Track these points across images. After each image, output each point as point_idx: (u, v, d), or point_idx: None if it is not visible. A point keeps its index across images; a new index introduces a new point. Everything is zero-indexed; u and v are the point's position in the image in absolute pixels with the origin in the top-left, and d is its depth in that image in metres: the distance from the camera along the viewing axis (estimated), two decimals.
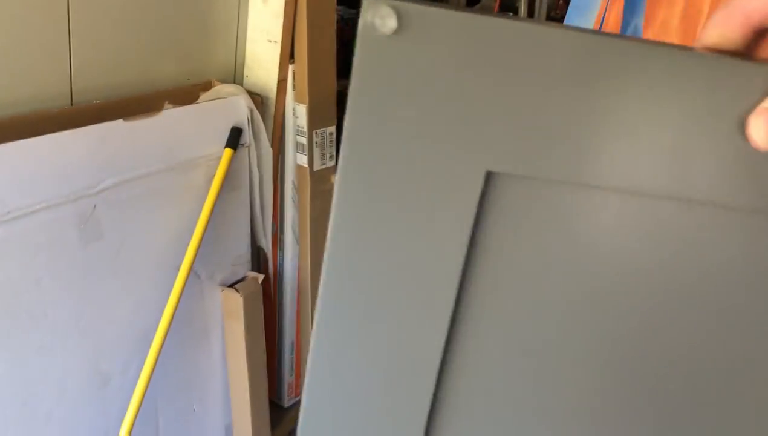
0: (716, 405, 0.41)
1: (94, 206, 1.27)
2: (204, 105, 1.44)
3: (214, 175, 1.43)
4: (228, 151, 1.44)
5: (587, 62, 0.34)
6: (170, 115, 1.37)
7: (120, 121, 1.29)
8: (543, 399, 0.42)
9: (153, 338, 1.34)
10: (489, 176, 0.36)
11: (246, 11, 1.56)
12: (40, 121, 1.22)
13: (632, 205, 0.37)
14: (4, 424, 1.20)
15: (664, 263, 0.38)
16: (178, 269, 1.38)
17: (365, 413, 0.42)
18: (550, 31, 0.34)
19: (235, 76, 1.61)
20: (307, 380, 0.42)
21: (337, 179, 0.37)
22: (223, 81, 1.55)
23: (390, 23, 0.35)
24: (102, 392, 1.37)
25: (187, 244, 1.38)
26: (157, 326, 1.35)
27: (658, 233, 0.37)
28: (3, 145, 1.12)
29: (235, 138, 1.45)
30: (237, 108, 1.48)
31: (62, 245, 1.23)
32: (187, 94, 1.46)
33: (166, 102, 1.41)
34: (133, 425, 1.31)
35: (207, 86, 1.51)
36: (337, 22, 1.71)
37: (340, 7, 1.89)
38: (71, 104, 1.30)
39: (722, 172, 0.35)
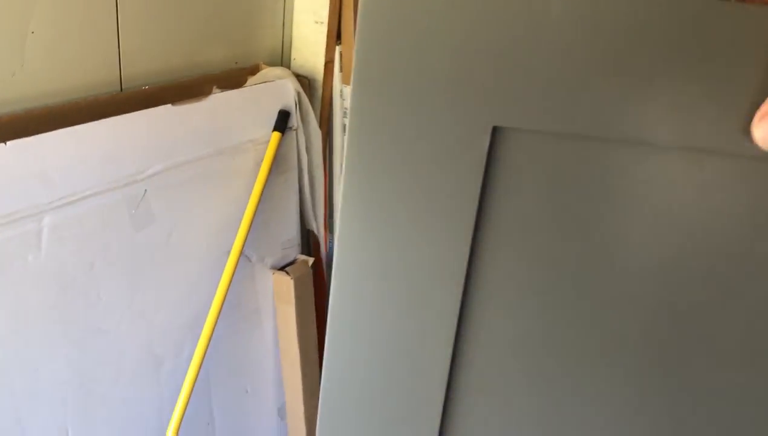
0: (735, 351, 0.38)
1: (145, 191, 1.29)
2: (251, 89, 1.44)
3: (263, 159, 1.43)
4: (276, 135, 1.44)
5: (599, 12, 0.32)
6: (218, 99, 1.37)
7: (168, 106, 1.31)
8: (558, 344, 0.40)
9: (205, 321, 1.36)
10: (496, 132, 0.35)
11: None
12: (90, 108, 1.24)
13: (645, 157, 0.35)
14: (62, 406, 1.24)
15: (674, 212, 0.36)
16: (228, 253, 1.38)
17: (382, 382, 0.41)
18: None
19: (282, 58, 1.60)
20: (325, 361, 0.41)
21: (347, 139, 0.36)
22: (271, 64, 1.54)
23: None
24: (156, 374, 1.40)
25: (237, 228, 1.39)
26: (208, 309, 1.36)
27: (670, 183, 0.35)
28: (54, 132, 1.14)
29: (283, 121, 1.45)
30: (284, 91, 1.47)
31: (114, 230, 1.25)
32: (234, 78, 1.46)
33: (214, 86, 1.41)
34: (186, 406, 1.33)
35: (254, 70, 1.51)
36: None
37: None
38: (121, 90, 1.32)
39: (729, 123, 0.33)
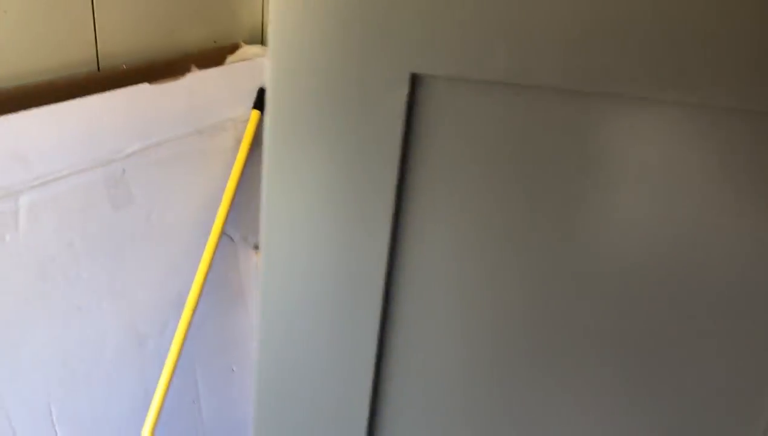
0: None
1: (123, 170, 1.29)
2: (230, 67, 1.44)
3: (243, 137, 1.43)
4: (255, 113, 1.44)
5: None
6: (196, 78, 1.37)
7: (146, 85, 1.30)
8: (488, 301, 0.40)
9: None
10: (416, 79, 0.34)
11: None
12: (67, 87, 1.24)
13: (567, 103, 0.34)
14: (45, 384, 1.25)
15: (595, 158, 0.36)
16: (210, 232, 1.39)
17: (312, 355, 0.41)
18: None
19: (262, 37, 1.60)
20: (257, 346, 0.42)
21: (268, 94, 0.36)
22: (250, 43, 1.54)
23: None
24: (140, 352, 1.40)
25: (218, 207, 1.39)
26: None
27: (594, 129, 0.35)
28: (31, 111, 1.14)
29: (262, 99, 1.45)
30: (264, 69, 1.47)
31: (93, 209, 1.25)
32: (213, 57, 1.45)
33: (193, 65, 1.41)
34: (169, 384, 1.34)
35: (233, 48, 1.51)
36: None
37: None
38: (98, 70, 1.31)
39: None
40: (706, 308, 0.37)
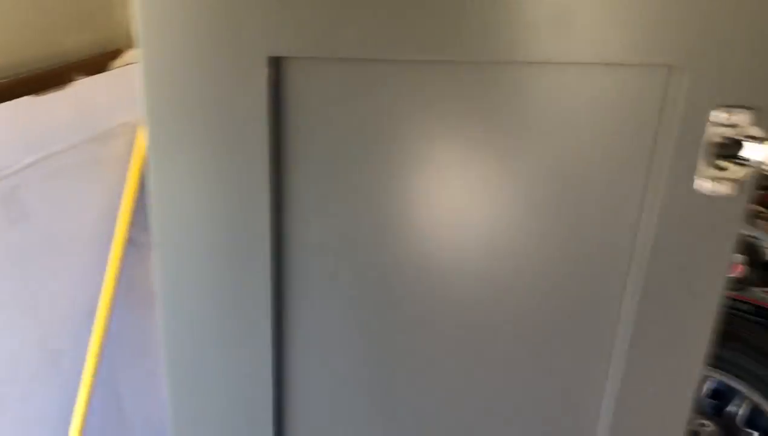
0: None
1: (16, 186, 1.27)
2: (114, 72, 1.43)
3: (136, 141, 1.42)
4: None
5: None
6: (81, 85, 1.35)
7: (30, 97, 1.28)
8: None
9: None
10: (276, 62, 0.38)
11: None
12: None
13: (415, 72, 0.39)
14: None
15: (447, 124, 0.40)
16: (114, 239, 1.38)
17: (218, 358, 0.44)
18: None
19: None
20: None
21: (142, 89, 0.39)
22: (133, 47, 1.52)
23: None
24: (55, 369, 1.38)
25: (120, 213, 1.38)
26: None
27: (440, 94, 0.40)
28: None
29: None
30: None
31: None
32: (96, 64, 1.44)
33: (77, 73, 1.39)
34: (89, 397, 1.33)
35: (116, 54, 1.49)
36: None
37: None
38: None
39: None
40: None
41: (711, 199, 0.43)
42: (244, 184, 0.41)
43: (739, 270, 1.38)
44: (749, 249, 1.37)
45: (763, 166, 0.42)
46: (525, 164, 0.39)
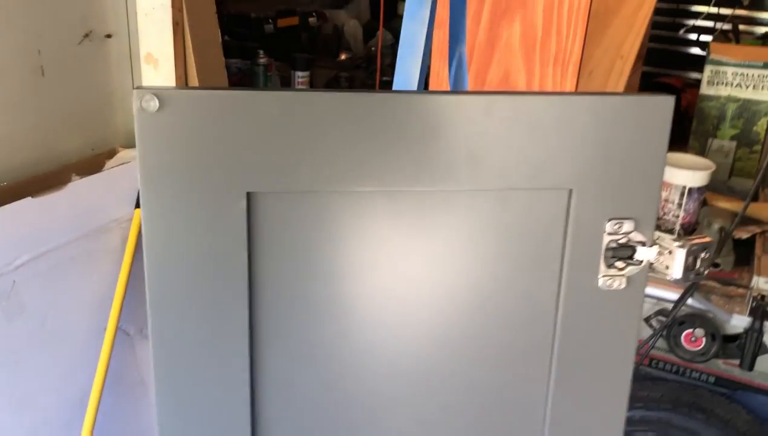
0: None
1: (14, 282, 1.34)
2: (109, 172, 1.53)
3: (128, 236, 1.51)
4: (138, 212, 1.52)
5: (297, 111, 0.46)
6: (77, 186, 1.45)
7: (29, 198, 1.37)
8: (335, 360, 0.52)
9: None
10: (251, 196, 0.48)
11: (140, 78, 1.66)
12: None
13: (364, 202, 0.49)
14: None
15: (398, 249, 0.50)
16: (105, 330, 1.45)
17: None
18: (256, 93, 0.45)
19: None
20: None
21: (142, 215, 0.48)
22: (127, 146, 1.63)
23: (153, 104, 0.46)
24: None
25: (111, 305, 1.46)
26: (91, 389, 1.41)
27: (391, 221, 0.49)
28: None
29: None
30: None
31: None
32: (92, 164, 1.54)
33: (73, 174, 1.49)
34: None
35: (111, 154, 1.60)
36: (232, 74, 1.82)
37: (234, 60, 2.01)
38: None
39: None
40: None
41: (613, 293, 0.52)
42: (223, 295, 0.49)
43: (699, 344, 1.46)
44: (708, 323, 1.46)
45: (652, 265, 0.52)
46: (453, 273, 0.48)
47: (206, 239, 0.48)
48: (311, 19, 2.63)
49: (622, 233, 0.51)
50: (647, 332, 1.47)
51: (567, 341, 0.53)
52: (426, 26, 0.95)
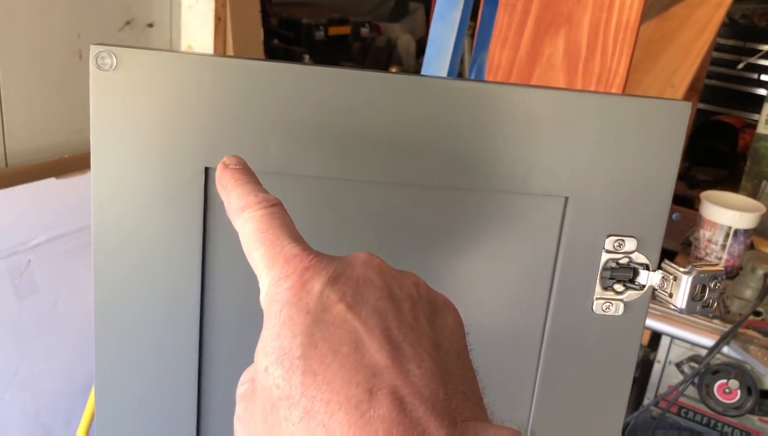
0: None
1: (29, 261, 1.34)
2: None
3: None
4: None
5: (267, 84, 0.42)
6: None
7: (53, 179, 1.37)
8: None
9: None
10: (209, 172, 0.43)
11: None
12: None
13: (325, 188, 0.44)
14: None
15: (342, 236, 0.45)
16: None
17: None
18: (216, 59, 0.41)
19: None
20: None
21: (92, 183, 0.44)
22: None
23: (110, 62, 0.42)
24: None
25: None
26: None
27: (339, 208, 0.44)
28: None
29: None
30: None
31: None
32: None
33: None
34: None
35: None
36: None
37: None
38: (6, 166, 1.38)
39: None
40: None
41: (608, 319, 0.46)
42: (175, 269, 0.45)
43: (734, 396, 1.36)
44: (744, 375, 1.36)
45: (654, 291, 0.45)
46: (425, 278, 0.43)
47: (157, 216, 0.44)
48: (363, 30, 2.61)
49: (623, 253, 0.45)
50: (678, 377, 1.38)
51: (552, 369, 0.47)
52: (456, 29, 0.91)
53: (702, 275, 0.42)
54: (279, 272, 0.31)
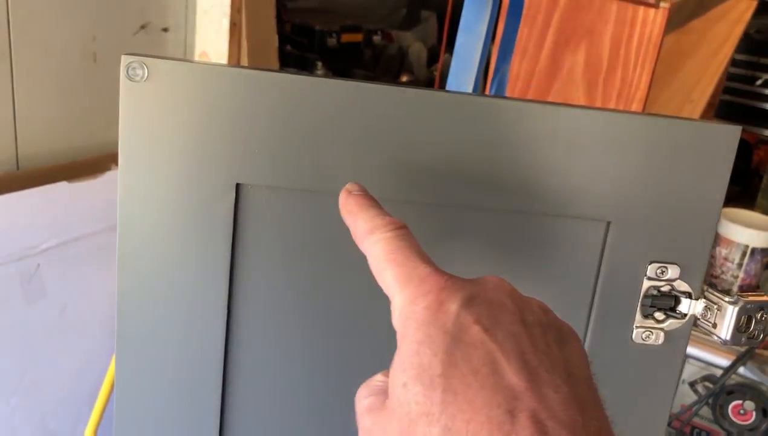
0: None
1: (38, 265, 1.32)
2: None
3: None
4: None
5: (304, 99, 0.40)
6: (113, 175, 1.43)
7: (64, 183, 1.36)
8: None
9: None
10: (241, 188, 0.42)
11: None
12: None
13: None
14: None
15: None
16: None
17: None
18: (255, 72, 0.40)
19: None
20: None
21: (118, 197, 0.43)
22: None
23: (142, 73, 0.41)
24: None
25: None
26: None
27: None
28: None
29: None
30: None
31: (5, 303, 1.27)
32: None
33: (112, 164, 1.47)
34: None
35: None
36: None
37: (291, 69, 1.99)
38: (17, 169, 1.37)
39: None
40: None
41: (648, 349, 0.44)
42: (202, 288, 0.44)
43: (749, 418, 1.34)
44: (760, 397, 1.34)
45: (697, 321, 0.44)
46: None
47: (186, 231, 0.43)
48: (375, 38, 2.60)
49: (665, 280, 0.43)
50: (691, 397, 1.36)
51: None
52: (482, 41, 0.89)
53: (749, 306, 0.41)
54: (414, 291, 0.31)
